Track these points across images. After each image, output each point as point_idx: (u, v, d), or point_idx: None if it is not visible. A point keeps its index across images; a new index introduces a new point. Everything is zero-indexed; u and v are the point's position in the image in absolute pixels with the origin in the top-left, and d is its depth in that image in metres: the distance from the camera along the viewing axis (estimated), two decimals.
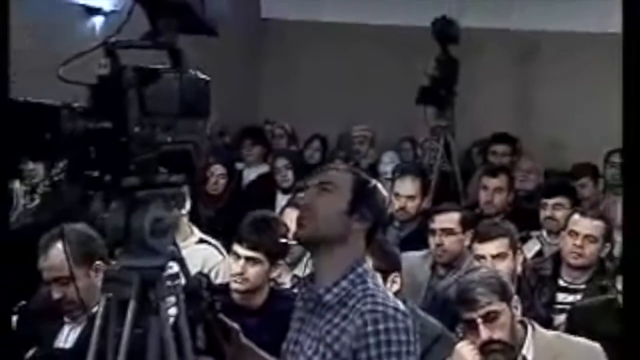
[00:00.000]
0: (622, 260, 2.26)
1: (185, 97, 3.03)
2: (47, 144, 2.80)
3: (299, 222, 3.54)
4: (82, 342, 4.43)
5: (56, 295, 4.64)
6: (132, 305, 3.07)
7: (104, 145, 2.89)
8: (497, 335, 4.17)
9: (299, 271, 5.64)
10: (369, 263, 3.64)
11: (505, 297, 4.27)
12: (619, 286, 4.73)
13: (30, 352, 4.76)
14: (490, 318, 4.17)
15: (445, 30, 9.88)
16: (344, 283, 3.42)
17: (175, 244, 3.26)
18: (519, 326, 4.32)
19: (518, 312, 4.37)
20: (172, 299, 3.15)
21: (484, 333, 4.16)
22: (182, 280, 3.27)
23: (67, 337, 4.79)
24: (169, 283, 3.14)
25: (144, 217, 3.01)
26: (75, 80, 2.86)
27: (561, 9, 11.30)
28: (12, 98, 2.83)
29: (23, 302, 5.28)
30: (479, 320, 4.17)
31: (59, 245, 4.21)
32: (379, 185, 3.59)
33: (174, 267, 3.21)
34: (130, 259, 3.09)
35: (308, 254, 5.30)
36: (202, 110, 3.10)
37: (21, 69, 3.39)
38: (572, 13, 11.27)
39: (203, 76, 3.10)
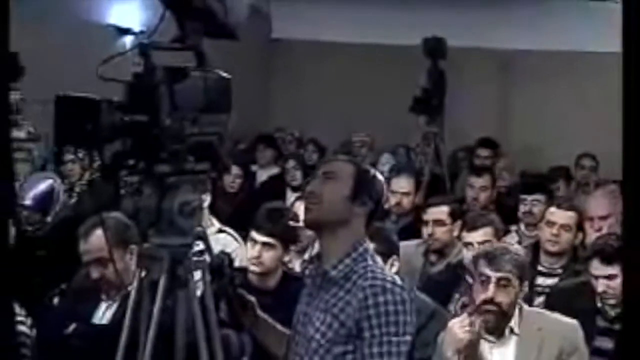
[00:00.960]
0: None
1: (210, 94, 3.05)
2: (88, 134, 2.80)
3: (307, 208, 3.57)
4: (118, 318, 4.44)
5: (95, 275, 4.63)
6: (163, 279, 3.09)
7: (138, 136, 2.91)
8: (499, 299, 4.20)
9: (307, 257, 5.65)
10: (370, 245, 3.59)
11: (521, 276, 4.31)
12: (592, 270, 4.78)
13: (70, 328, 4.74)
14: (502, 284, 4.21)
15: (435, 47, 9.98)
16: (347, 261, 3.43)
17: (200, 225, 3.27)
18: None
19: (521, 295, 4.40)
20: (199, 273, 3.13)
21: (491, 292, 4.20)
22: (207, 258, 3.27)
23: (103, 314, 4.77)
24: (195, 259, 3.15)
25: (173, 201, 3.03)
26: (112, 78, 2.87)
27: (531, 30, 11.40)
28: (58, 94, 2.82)
29: (63, 285, 5.28)
30: (493, 280, 4.21)
31: (99, 231, 4.19)
32: (377, 174, 3.61)
33: (200, 246, 3.21)
34: (161, 238, 3.10)
35: (316, 243, 5.40)
36: (224, 105, 3.12)
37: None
38: (540, 34, 11.37)
39: (225, 75, 3.12)
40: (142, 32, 12.40)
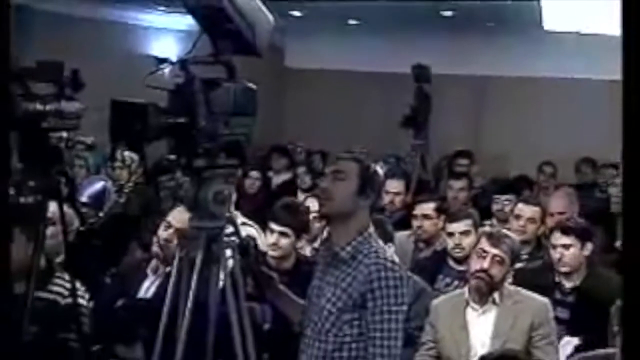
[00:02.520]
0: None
1: (238, 100, 3.05)
2: (138, 133, 2.79)
3: (320, 202, 3.59)
4: (160, 292, 4.43)
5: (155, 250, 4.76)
6: (199, 256, 3.07)
7: (179, 135, 2.91)
8: (493, 272, 4.22)
9: (317, 245, 5.63)
10: (373, 230, 3.56)
11: (513, 259, 4.37)
12: (552, 241, 4.96)
13: (119, 302, 4.72)
14: (496, 260, 4.23)
15: (421, 74, 10.03)
16: (354, 243, 3.42)
17: (230, 211, 3.26)
18: None
19: (510, 276, 4.45)
20: (229, 252, 3.11)
21: (487, 263, 4.22)
22: (236, 239, 3.26)
23: (147, 290, 4.76)
24: (226, 239, 3.14)
25: (208, 190, 3.02)
26: (157, 86, 2.86)
27: (503, 60, 11.42)
28: (114, 98, 2.82)
29: (114, 269, 5.27)
30: (491, 253, 4.25)
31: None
32: (378, 169, 3.61)
33: (230, 228, 3.20)
34: (198, 222, 3.09)
35: (323, 232, 5.38)
36: (250, 110, 3.11)
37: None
38: (510, 63, 11.40)
39: (251, 85, 3.11)
40: (180, 63, 12.50)
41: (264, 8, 3.03)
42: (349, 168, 3.47)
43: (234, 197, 5.81)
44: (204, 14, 2.93)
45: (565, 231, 4.92)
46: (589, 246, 4.93)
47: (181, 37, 12.72)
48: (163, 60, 9.71)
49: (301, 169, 9.79)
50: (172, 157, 3.00)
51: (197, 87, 2.86)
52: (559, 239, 4.89)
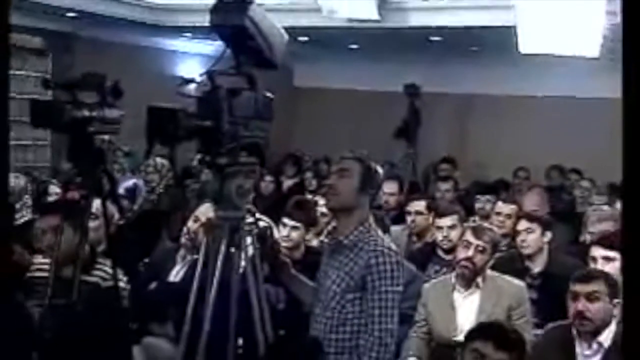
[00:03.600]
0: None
1: (257, 107, 3.04)
2: (170, 134, 2.78)
3: (327, 197, 3.62)
4: (187, 277, 4.43)
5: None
6: (224, 243, 3.07)
7: (206, 137, 2.90)
8: (476, 260, 4.28)
9: (322, 237, 5.62)
10: (372, 221, 3.56)
11: (493, 248, 4.41)
12: (518, 227, 5.07)
13: (152, 285, 4.73)
14: (479, 249, 4.28)
15: (412, 91, 10.09)
16: (355, 233, 3.43)
17: (250, 203, 3.25)
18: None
19: (490, 262, 4.45)
20: (249, 239, 3.10)
21: (471, 252, 4.28)
22: (255, 229, 3.26)
23: (176, 275, 4.77)
24: (247, 228, 3.12)
25: (231, 185, 3.00)
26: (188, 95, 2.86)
27: (484, 79, 11.42)
28: (150, 104, 2.81)
29: (146, 259, 5.28)
30: (474, 244, 4.30)
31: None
32: (378, 167, 3.60)
33: (249, 219, 3.18)
34: (222, 212, 3.08)
35: (328, 227, 5.36)
36: (267, 115, 3.10)
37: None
38: (490, 82, 11.39)
39: (268, 94, 3.10)
40: (203, 83, 12.54)
41: (280, 27, 3.03)
42: (352, 166, 3.48)
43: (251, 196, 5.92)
44: (229, 33, 2.91)
45: (529, 218, 5.04)
46: (548, 234, 4.98)
47: (203, 60, 12.75)
48: (189, 81, 9.78)
49: (308, 174, 9.87)
50: (199, 156, 2.99)
51: (221, 95, 2.86)
52: (523, 225, 4.98)
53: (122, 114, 3.22)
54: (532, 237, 4.93)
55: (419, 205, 5.94)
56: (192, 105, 2.85)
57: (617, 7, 6.58)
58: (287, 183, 10.20)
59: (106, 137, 3.26)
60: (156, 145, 2.77)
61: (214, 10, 2.88)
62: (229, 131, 2.87)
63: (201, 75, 2.89)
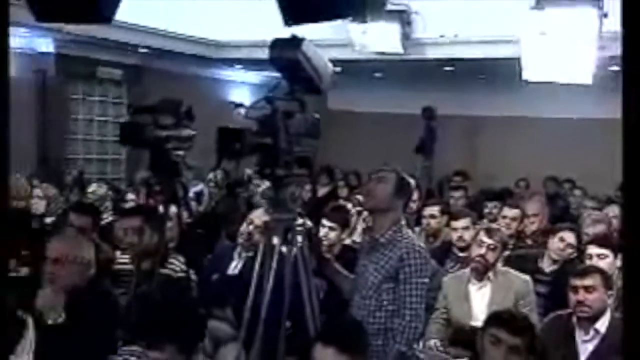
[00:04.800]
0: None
1: (307, 126, 3.03)
2: (236, 150, 2.79)
3: (365, 199, 3.68)
4: (244, 270, 4.46)
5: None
6: (278, 240, 3.07)
7: (265, 152, 2.89)
8: (488, 256, 4.22)
9: (355, 237, 5.60)
10: (404, 222, 3.56)
11: (503, 246, 4.37)
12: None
13: (214, 277, 4.76)
14: (491, 248, 4.22)
15: (429, 114, 10.05)
16: (390, 232, 3.42)
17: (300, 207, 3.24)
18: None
19: (501, 258, 4.40)
20: (300, 237, 3.11)
21: (484, 250, 4.22)
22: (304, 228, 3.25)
23: (234, 268, 4.79)
24: (298, 229, 3.11)
25: (286, 192, 3.00)
26: (250, 117, 2.87)
27: (492, 103, 11.35)
28: (220, 125, 2.81)
29: (209, 255, 5.32)
30: (487, 243, 4.22)
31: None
32: (409, 179, 3.60)
33: (300, 220, 3.18)
34: (278, 215, 3.07)
35: (358, 227, 5.36)
36: (315, 134, 3.09)
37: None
38: (497, 106, 11.34)
39: (317, 116, 3.10)
40: (240, 105, 12.57)
41: (326, 59, 3.02)
42: (388, 175, 3.49)
43: None
44: (285, 65, 2.91)
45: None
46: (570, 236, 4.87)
47: (251, 88, 12.84)
48: (239, 105, 9.80)
49: (340, 184, 9.83)
50: (258, 168, 2.97)
51: (279, 117, 2.86)
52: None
53: (194, 134, 3.26)
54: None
55: (433, 210, 5.87)
56: (254, 126, 2.85)
57: (606, 42, 6.57)
58: (322, 191, 10.19)
59: (181, 152, 3.28)
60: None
61: (272, 46, 2.87)
62: (284, 147, 2.86)
63: (261, 100, 2.88)
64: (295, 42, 2.82)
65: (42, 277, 3.31)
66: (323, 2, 2.75)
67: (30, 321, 2.66)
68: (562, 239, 4.88)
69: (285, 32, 2.83)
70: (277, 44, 2.86)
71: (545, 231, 5.47)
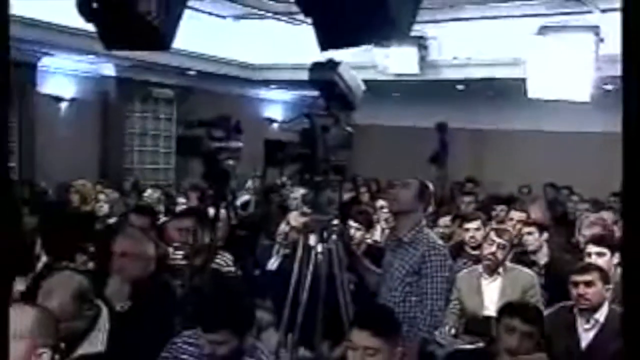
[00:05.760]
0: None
1: (342, 139, 3.01)
2: (278, 159, 2.81)
3: (391, 203, 3.72)
4: (282, 266, 4.48)
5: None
6: (316, 239, 3.05)
7: (305, 161, 2.89)
8: (498, 254, 4.17)
9: (376, 237, 5.59)
10: (425, 222, 3.57)
11: (511, 245, 4.36)
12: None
13: (256, 272, 4.78)
14: (500, 246, 4.20)
15: (442, 128, 9.99)
16: (412, 232, 3.43)
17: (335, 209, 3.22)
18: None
19: (510, 255, 4.36)
20: (334, 236, 3.09)
21: (494, 248, 4.18)
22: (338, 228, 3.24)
23: (273, 264, 4.81)
24: (333, 229, 3.08)
25: (323, 196, 2.99)
26: (292, 130, 2.88)
27: (498, 118, 11.28)
28: (266, 138, 2.81)
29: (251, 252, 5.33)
30: (497, 242, 4.18)
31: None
32: (430, 185, 3.59)
33: (335, 220, 3.17)
34: (316, 216, 3.06)
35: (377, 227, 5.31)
36: (349, 145, 3.06)
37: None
38: (503, 120, 11.26)
39: (350, 129, 3.08)
40: (283, 121, 12.60)
41: (359, 79, 3.01)
42: (411, 182, 3.50)
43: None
44: (322, 85, 2.93)
45: (530, 224, 4.94)
46: (545, 234, 4.88)
47: (284, 105, 12.91)
48: (272, 121, 9.86)
49: (362, 190, 9.75)
50: (298, 175, 2.96)
51: (317, 130, 2.85)
52: (528, 230, 4.92)
53: (241, 146, 3.29)
54: (532, 237, 4.82)
55: (445, 220, 5.86)
56: (295, 138, 2.86)
57: (602, 64, 6.54)
58: (346, 196, 10.17)
59: (231, 162, 3.31)
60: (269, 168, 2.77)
61: (311, 68, 2.88)
62: (322, 157, 2.86)
63: (301, 116, 2.89)
64: (332, 64, 2.83)
65: (107, 270, 3.35)
66: (356, 29, 2.76)
67: (104, 308, 2.70)
68: (511, 219, 5.20)
69: (314, 55, 2.82)
70: (315, 67, 2.86)
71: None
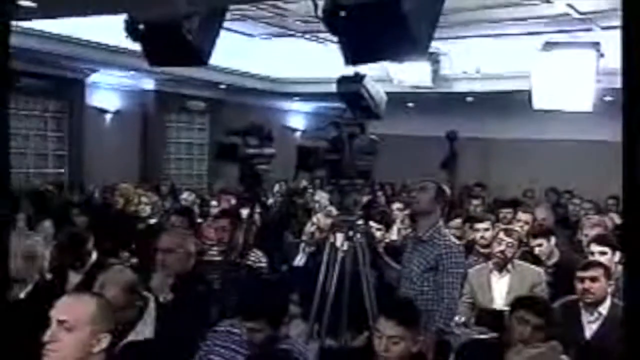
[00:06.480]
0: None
1: (367, 146, 3.02)
2: (310, 164, 2.81)
3: (411, 205, 3.68)
4: (308, 263, 4.48)
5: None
6: (341, 238, 3.06)
7: (334, 166, 2.90)
8: (507, 252, 4.16)
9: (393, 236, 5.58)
10: (442, 222, 3.56)
11: (519, 243, 4.34)
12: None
13: (284, 267, 4.79)
14: (509, 245, 4.17)
15: (452, 136, 9.93)
16: (430, 231, 3.42)
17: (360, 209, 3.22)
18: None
19: (518, 253, 4.32)
20: (359, 235, 3.10)
21: (503, 247, 4.14)
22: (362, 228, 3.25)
23: (299, 260, 4.81)
24: (358, 228, 3.10)
25: (350, 198, 3.00)
26: (322, 138, 2.89)
27: (505, 127, 11.18)
28: (297, 144, 2.81)
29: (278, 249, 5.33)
30: (506, 241, 4.16)
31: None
32: (446, 188, 3.58)
33: (360, 220, 3.18)
34: (343, 217, 3.06)
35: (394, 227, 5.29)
36: (374, 151, 3.06)
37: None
38: (509, 129, 11.17)
39: (375, 137, 3.08)
40: (304, 131, 12.64)
41: (382, 91, 3.02)
42: (429, 185, 3.51)
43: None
44: (349, 97, 2.94)
45: (537, 235, 4.78)
46: (553, 239, 4.77)
47: (307, 116, 12.94)
48: (294, 130, 9.84)
49: (379, 193, 9.68)
50: (327, 178, 2.97)
51: (344, 138, 2.87)
52: (537, 242, 4.74)
53: (274, 152, 3.31)
54: (544, 246, 4.65)
55: (456, 222, 5.82)
56: (325, 145, 2.86)
57: (602, 77, 6.49)
58: (363, 200, 10.14)
59: (264, 167, 3.33)
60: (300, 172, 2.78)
61: (339, 81, 2.89)
62: (349, 162, 2.87)
63: (330, 125, 2.90)
64: (358, 78, 2.84)
65: (148, 265, 3.38)
66: (379, 47, 2.78)
67: (152, 299, 2.74)
68: (518, 220, 5.09)
69: (333, 70, 2.80)
70: (343, 80, 2.88)
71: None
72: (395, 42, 2.61)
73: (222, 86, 9.86)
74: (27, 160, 8.47)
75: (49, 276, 3.39)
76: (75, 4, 3.43)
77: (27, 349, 1.83)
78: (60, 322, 1.78)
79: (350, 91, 2.86)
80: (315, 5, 2.56)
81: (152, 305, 2.71)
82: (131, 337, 2.57)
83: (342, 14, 2.54)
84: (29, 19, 4.50)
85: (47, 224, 5.14)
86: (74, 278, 3.44)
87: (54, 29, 6.69)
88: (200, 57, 3.30)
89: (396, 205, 6.59)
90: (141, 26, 3.17)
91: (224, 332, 2.62)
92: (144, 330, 2.64)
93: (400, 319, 2.34)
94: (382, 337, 2.36)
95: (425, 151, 11.68)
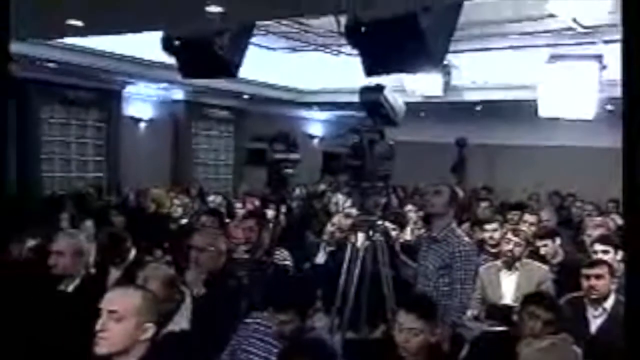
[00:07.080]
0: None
1: (385, 151, 3.02)
2: (334, 168, 2.83)
3: (426, 207, 3.70)
4: (328, 261, 4.47)
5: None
6: (362, 237, 3.06)
7: (356, 171, 2.90)
8: (515, 251, 4.13)
9: (407, 236, 5.55)
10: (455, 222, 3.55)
11: (526, 243, 4.29)
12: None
13: (306, 265, 4.79)
14: (517, 244, 4.14)
15: (460, 142, 9.91)
16: (444, 231, 3.41)
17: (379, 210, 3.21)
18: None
19: (525, 252, 4.27)
20: (378, 234, 3.10)
21: (512, 246, 4.13)
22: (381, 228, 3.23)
23: (320, 258, 4.79)
24: (378, 228, 3.10)
25: (370, 200, 3.00)
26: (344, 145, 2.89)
27: (511, 134, 11.12)
28: (322, 149, 2.81)
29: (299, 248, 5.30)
30: (514, 240, 4.13)
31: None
32: (460, 191, 3.57)
33: (379, 220, 3.17)
34: (363, 217, 3.06)
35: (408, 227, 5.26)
36: (392, 156, 3.07)
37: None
38: (515, 136, 11.09)
39: (392, 143, 3.08)
40: (322, 138, 12.65)
41: (400, 101, 3.03)
42: (443, 189, 3.49)
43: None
44: (370, 106, 2.95)
45: (543, 236, 4.74)
46: (558, 240, 4.72)
47: (326, 124, 12.95)
48: (312, 137, 9.84)
49: (393, 197, 9.56)
50: (350, 182, 2.97)
51: (365, 144, 2.87)
52: (543, 243, 4.68)
53: (299, 157, 3.32)
54: (550, 246, 4.59)
55: (465, 225, 5.81)
56: (347, 150, 2.87)
57: (604, 87, 6.46)
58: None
59: (290, 171, 3.35)
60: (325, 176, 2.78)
61: (361, 92, 2.90)
62: (369, 167, 2.88)
63: (351, 132, 2.90)
64: (378, 88, 2.86)
65: (180, 263, 3.41)
66: (397, 59, 2.80)
67: (188, 293, 2.78)
68: (525, 221, 5.06)
69: (351, 81, 2.80)
70: (364, 90, 2.89)
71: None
72: (413, 55, 2.63)
73: (246, 96, 9.92)
74: (70, 165, 8.68)
75: (92, 271, 3.44)
76: (117, 23, 3.50)
77: (79, 338, 1.87)
78: (110, 313, 1.82)
79: (371, 100, 2.88)
80: (338, 22, 2.59)
81: (188, 299, 2.75)
82: (170, 327, 2.61)
83: (363, 29, 2.57)
84: (78, 36, 4.60)
85: (89, 223, 5.21)
86: (115, 273, 3.50)
87: (93, 44, 6.80)
88: (230, 69, 3.35)
89: (409, 207, 6.56)
90: (176, 42, 3.23)
91: (253, 324, 2.65)
92: (181, 321, 2.68)
93: (420, 313, 2.36)
94: (402, 330, 2.37)
95: (436, 157, 11.65)
